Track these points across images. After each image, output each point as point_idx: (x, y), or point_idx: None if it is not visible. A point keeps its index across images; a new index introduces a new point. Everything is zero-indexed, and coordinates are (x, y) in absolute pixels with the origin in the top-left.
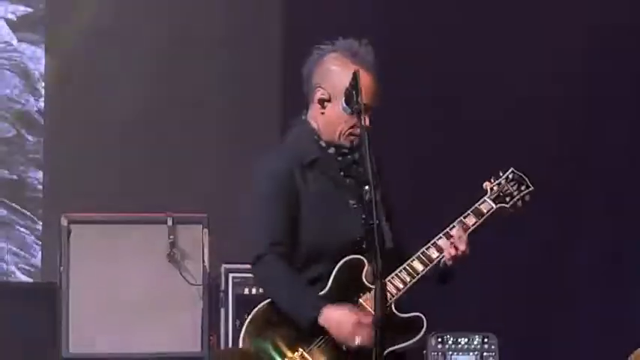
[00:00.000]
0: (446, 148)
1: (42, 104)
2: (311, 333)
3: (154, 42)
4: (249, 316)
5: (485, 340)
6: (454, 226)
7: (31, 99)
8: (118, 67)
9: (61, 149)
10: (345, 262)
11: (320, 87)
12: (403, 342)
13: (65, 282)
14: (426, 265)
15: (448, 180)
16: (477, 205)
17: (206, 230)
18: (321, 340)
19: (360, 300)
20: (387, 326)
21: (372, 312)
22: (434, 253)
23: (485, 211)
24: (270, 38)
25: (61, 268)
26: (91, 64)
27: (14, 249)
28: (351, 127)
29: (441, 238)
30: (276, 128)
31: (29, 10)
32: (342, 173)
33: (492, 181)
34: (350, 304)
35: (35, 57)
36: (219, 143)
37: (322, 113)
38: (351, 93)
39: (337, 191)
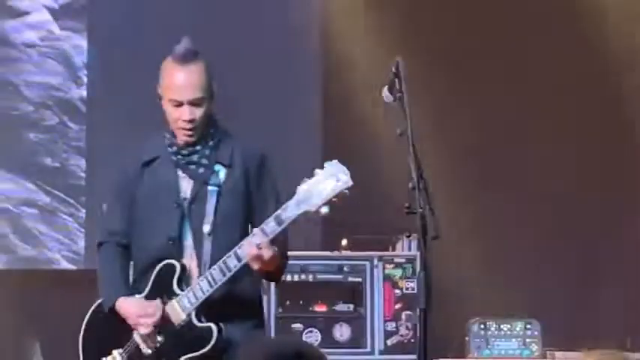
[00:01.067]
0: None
1: (84, 92)
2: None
3: (196, 28)
4: (88, 315)
5: (528, 326)
6: (254, 234)
7: (74, 87)
8: (160, 54)
9: (103, 137)
10: (161, 267)
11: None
12: (196, 351)
13: None
14: (224, 274)
15: None
16: (279, 211)
17: None
18: (131, 342)
19: (166, 308)
20: (184, 335)
21: (173, 319)
22: (232, 262)
23: (283, 218)
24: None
25: None
26: (133, 52)
27: (58, 236)
28: (175, 122)
29: (241, 246)
30: (317, 126)
31: None
32: (178, 172)
33: (310, 178)
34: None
35: (77, 45)
36: (256, 135)
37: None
38: (393, 81)
39: (166, 192)
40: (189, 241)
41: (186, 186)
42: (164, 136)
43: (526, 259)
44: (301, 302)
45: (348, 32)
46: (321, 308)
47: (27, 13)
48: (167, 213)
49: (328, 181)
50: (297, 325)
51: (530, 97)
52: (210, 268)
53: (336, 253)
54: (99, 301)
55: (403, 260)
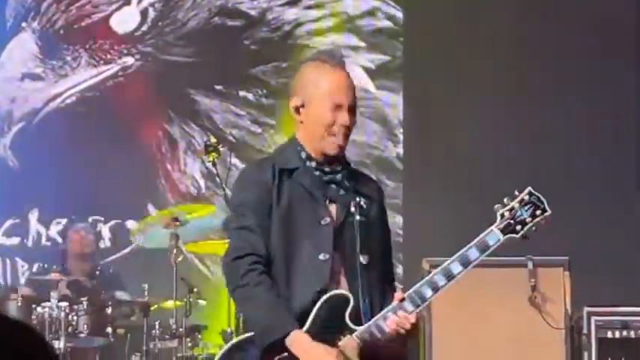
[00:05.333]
0: None
1: (400, 150)
2: (270, 351)
3: (507, 86)
4: (221, 353)
5: None
6: (454, 261)
7: (390, 145)
8: (474, 111)
9: (419, 194)
10: (329, 297)
11: (295, 95)
12: None
13: (428, 327)
14: (417, 305)
15: None
16: (482, 236)
17: (567, 273)
18: None
19: (340, 343)
20: None
21: (352, 357)
22: (428, 292)
23: (491, 243)
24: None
25: (424, 313)
26: (447, 110)
27: None
28: (330, 127)
29: (437, 273)
30: (633, 171)
31: (386, 58)
32: (317, 190)
33: (506, 202)
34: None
35: (393, 104)
36: (581, 186)
37: (301, 122)
38: None
39: (310, 205)
40: (340, 270)
41: (330, 208)
42: (298, 149)
43: None
44: (623, 359)
45: None
46: None
47: None
48: (315, 229)
49: (527, 208)
50: None
51: None
52: (364, 303)
53: None
54: (235, 340)
55: None
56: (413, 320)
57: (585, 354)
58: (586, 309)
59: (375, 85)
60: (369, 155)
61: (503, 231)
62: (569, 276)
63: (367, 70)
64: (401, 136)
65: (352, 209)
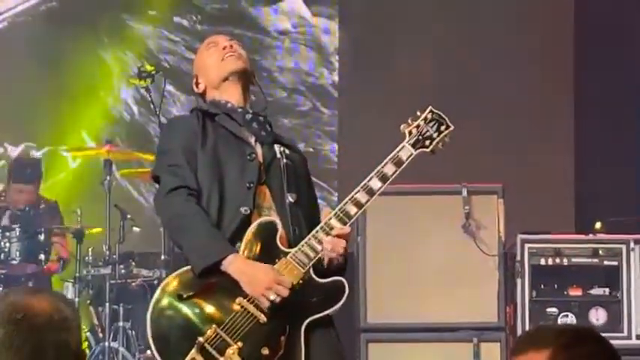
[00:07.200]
0: None
1: (336, 77)
2: (206, 276)
3: (445, 11)
4: (160, 288)
5: None
6: (372, 177)
7: (326, 72)
8: (411, 38)
9: (354, 121)
10: (259, 223)
11: (194, 83)
12: (326, 309)
13: (362, 253)
14: (344, 223)
15: None
16: (395, 152)
17: (501, 200)
18: (237, 314)
19: (276, 266)
20: (307, 294)
21: (290, 280)
22: (352, 209)
23: (404, 158)
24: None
25: (359, 238)
26: (383, 37)
27: None
28: (219, 56)
29: (359, 191)
30: (570, 100)
31: None
32: (242, 128)
33: (410, 122)
34: None
35: (329, 31)
36: (513, 114)
37: (205, 88)
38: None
39: (236, 144)
40: (269, 205)
41: (257, 148)
42: (217, 101)
43: None
44: (556, 286)
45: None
46: (576, 292)
47: (280, 0)
48: (242, 164)
49: (432, 125)
50: (552, 310)
51: None
52: (294, 233)
53: (590, 236)
54: (177, 272)
55: None
56: (340, 232)
57: (518, 281)
58: (519, 236)
59: (311, 11)
60: (304, 82)
61: (414, 146)
62: (503, 203)
63: None
64: (337, 64)
65: (278, 155)
